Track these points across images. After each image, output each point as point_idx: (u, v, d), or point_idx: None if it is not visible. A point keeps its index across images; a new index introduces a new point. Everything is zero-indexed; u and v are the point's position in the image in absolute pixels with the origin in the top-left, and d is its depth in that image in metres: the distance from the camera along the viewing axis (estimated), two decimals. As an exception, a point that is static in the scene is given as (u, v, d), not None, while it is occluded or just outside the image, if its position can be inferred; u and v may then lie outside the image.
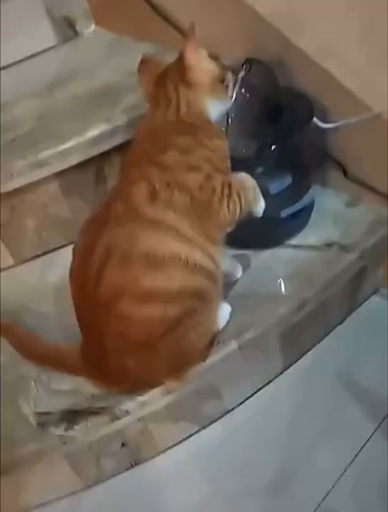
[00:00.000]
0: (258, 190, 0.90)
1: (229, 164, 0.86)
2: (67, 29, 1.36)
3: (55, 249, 1.10)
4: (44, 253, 1.11)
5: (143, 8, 1.22)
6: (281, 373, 1.06)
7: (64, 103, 1.11)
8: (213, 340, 0.89)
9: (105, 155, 1.06)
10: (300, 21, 0.97)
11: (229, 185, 0.84)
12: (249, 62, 0.92)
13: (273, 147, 0.97)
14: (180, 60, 0.85)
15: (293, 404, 1.03)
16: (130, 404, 0.84)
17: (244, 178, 0.88)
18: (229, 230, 0.87)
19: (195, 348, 0.84)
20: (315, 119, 1.01)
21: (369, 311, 1.16)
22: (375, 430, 0.96)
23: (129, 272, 0.77)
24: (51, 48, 1.33)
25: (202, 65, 0.86)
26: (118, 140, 1.03)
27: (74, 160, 1.02)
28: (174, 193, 0.79)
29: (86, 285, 0.78)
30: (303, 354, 1.08)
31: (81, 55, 1.30)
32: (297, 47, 0.98)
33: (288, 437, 0.98)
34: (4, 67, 1.27)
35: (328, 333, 1.11)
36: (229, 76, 0.89)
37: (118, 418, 0.84)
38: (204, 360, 0.87)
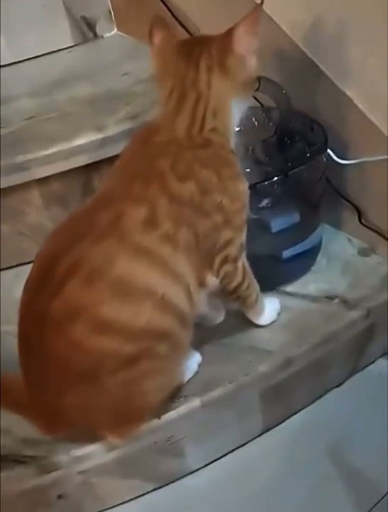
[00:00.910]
0: (263, 300, 0.84)
1: (245, 218, 0.75)
2: (87, 31, 1.29)
3: (30, 262, 1.01)
4: (18, 265, 1.01)
5: (166, 17, 1.13)
6: (260, 435, 0.93)
7: (60, 106, 1.03)
8: (175, 394, 0.77)
9: (95, 165, 0.97)
10: (323, 38, 0.85)
11: (235, 258, 0.75)
12: (258, 79, 0.80)
13: (278, 177, 0.85)
14: (227, 37, 0.69)
15: (270, 472, 0.89)
16: (63, 457, 0.73)
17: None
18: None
19: (147, 401, 0.72)
20: (331, 153, 0.89)
21: (374, 375, 1.02)
22: (361, 521, 0.82)
23: (93, 294, 0.66)
24: (68, 48, 1.27)
25: (247, 57, 0.70)
26: (109, 152, 0.93)
27: (58, 168, 0.93)
28: (181, 230, 0.69)
29: (40, 295, 0.67)
30: (289, 416, 0.95)
31: (95, 58, 1.23)
32: (318, 66, 0.86)
33: (258, 509, 0.84)
34: (15, 63, 1.20)
35: (322, 396, 0.98)
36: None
37: (48, 472, 0.73)
38: (159, 417, 0.75)
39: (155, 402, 0.73)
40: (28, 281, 0.71)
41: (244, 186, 0.74)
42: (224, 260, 0.75)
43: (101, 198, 0.73)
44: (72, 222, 0.72)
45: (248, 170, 0.87)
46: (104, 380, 0.67)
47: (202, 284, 0.74)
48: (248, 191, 0.75)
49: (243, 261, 0.78)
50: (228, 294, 0.79)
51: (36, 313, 0.68)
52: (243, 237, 0.76)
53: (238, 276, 0.77)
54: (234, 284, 0.78)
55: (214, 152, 0.72)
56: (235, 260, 0.76)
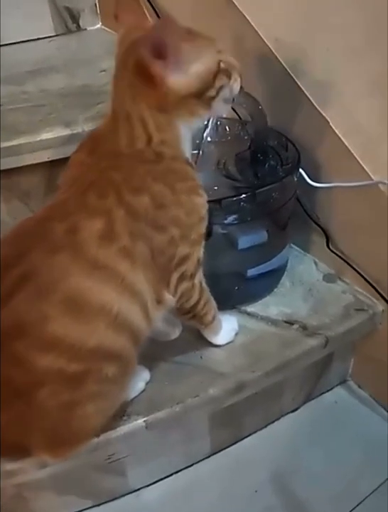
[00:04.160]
0: (220, 319, 0.82)
1: (202, 232, 0.71)
2: (70, 22, 1.25)
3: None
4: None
5: (150, 14, 1.10)
6: (207, 458, 0.90)
7: (31, 96, 0.98)
8: (118, 411, 0.72)
9: (61, 162, 0.91)
10: (305, 55, 0.83)
11: (192, 275, 0.71)
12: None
13: (246, 194, 0.82)
14: (142, 66, 0.62)
15: (212, 497, 0.86)
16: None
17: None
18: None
19: (88, 425, 0.67)
20: (304, 174, 0.86)
21: (329, 403, 1.00)
22: None
23: (42, 310, 0.61)
24: (48, 37, 1.23)
25: (188, 70, 0.63)
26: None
27: (21, 161, 0.88)
28: (137, 244, 0.65)
29: None
30: (239, 440, 0.92)
31: (74, 50, 1.19)
32: (298, 85, 0.84)
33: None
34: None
35: (275, 421, 0.95)
36: (224, 81, 0.66)
37: (-26, 485, 0.68)
38: (97, 436, 0.71)
39: (96, 426, 0.68)
40: None
41: (201, 199, 0.70)
42: (182, 277, 0.71)
43: (55, 208, 0.68)
44: (23, 231, 0.67)
45: (216, 188, 0.84)
46: (43, 400, 0.63)
47: (160, 301, 0.70)
48: (206, 204, 0.71)
49: (200, 278, 0.74)
50: (185, 312, 0.75)
51: None
52: (200, 252, 0.72)
53: (195, 294, 0.74)
54: (191, 302, 0.74)
55: (166, 166, 0.67)
56: (192, 277, 0.73)
